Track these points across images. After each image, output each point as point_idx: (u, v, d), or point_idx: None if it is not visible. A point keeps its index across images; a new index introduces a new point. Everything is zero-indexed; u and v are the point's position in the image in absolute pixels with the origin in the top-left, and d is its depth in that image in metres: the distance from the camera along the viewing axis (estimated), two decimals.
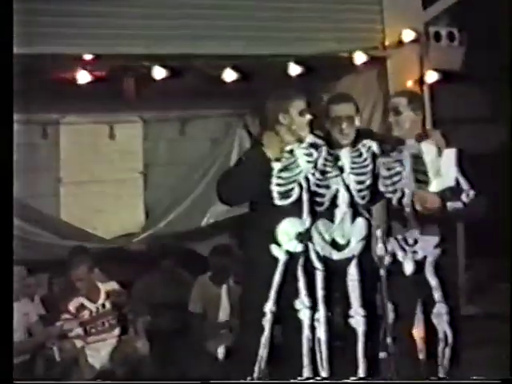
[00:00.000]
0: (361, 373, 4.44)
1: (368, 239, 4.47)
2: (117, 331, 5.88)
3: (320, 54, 6.28)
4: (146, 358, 5.78)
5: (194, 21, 6.08)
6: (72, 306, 5.80)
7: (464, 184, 4.25)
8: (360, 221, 4.46)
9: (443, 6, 6.93)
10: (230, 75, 6.01)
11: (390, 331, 4.06)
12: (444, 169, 4.24)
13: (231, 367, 5.17)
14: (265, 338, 4.38)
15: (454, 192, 4.21)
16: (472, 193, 4.22)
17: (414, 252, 4.27)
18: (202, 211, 7.19)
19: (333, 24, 6.48)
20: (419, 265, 4.27)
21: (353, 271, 4.46)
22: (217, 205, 7.12)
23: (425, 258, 4.28)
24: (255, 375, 4.37)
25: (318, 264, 4.48)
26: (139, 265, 6.61)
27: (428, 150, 4.30)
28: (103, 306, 5.88)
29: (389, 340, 4.03)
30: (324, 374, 4.41)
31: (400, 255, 4.33)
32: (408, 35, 6.55)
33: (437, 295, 4.23)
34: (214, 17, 6.17)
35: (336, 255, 4.46)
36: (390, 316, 4.18)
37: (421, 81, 6.70)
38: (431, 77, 6.62)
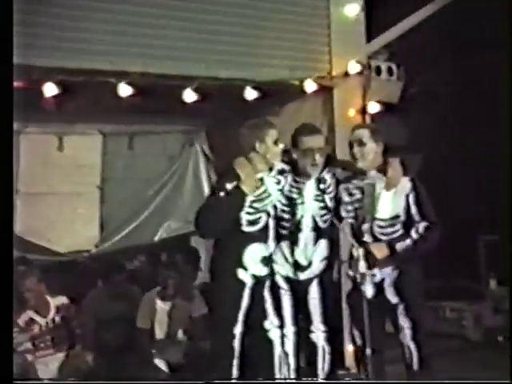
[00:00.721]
0: None
1: (329, 259, 4.74)
2: (65, 345, 5.92)
3: (274, 81, 6.53)
4: (95, 373, 5.85)
5: (157, 41, 6.21)
6: (21, 320, 5.80)
7: (416, 215, 4.51)
8: (322, 242, 4.71)
9: (384, 40, 7.33)
10: (189, 95, 6.12)
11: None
12: (396, 197, 4.52)
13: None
14: (235, 358, 4.54)
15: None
16: (423, 225, 4.49)
17: (373, 275, 4.49)
18: (156, 227, 7.30)
19: (285, 52, 6.75)
20: (378, 287, 4.51)
21: (314, 290, 4.71)
22: (170, 221, 7.36)
23: (383, 280, 4.53)
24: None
25: (283, 284, 4.72)
26: (88, 279, 6.65)
27: (379, 181, 4.56)
28: (53, 320, 5.90)
29: None
30: None
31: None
32: (354, 67, 6.90)
33: (399, 311, 4.49)
34: (177, 38, 6.34)
35: (299, 275, 4.70)
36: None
37: (363, 111, 7.06)
38: (373, 108, 6.99)
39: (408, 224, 4.52)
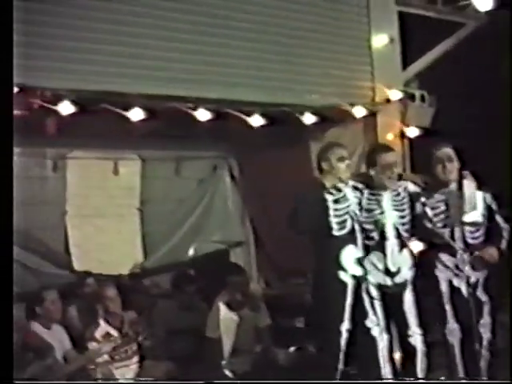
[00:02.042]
0: None
1: (417, 266, 5.21)
2: (136, 358, 6.19)
3: (325, 106, 7.00)
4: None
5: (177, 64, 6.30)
6: (98, 334, 6.02)
7: (499, 220, 5.09)
8: (406, 250, 5.19)
9: (416, 69, 7.90)
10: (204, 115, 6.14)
11: None
12: (476, 205, 5.08)
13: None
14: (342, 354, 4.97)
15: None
16: (507, 229, 5.08)
17: (468, 276, 5.02)
18: (187, 246, 7.73)
19: (332, 80, 7.24)
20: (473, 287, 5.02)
21: (408, 296, 5.16)
22: (198, 241, 7.76)
23: (477, 280, 5.07)
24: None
25: (374, 293, 5.16)
26: (151, 295, 6.97)
27: (468, 186, 5.12)
28: (126, 334, 6.18)
29: None
30: None
31: (455, 281, 5.07)
32: (395, 94, 7.45)
33: (486, 309, 5.02)
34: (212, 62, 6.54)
35: (390, 281, 5.16)
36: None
37: (402, 135, 7.59)
38: (412, 132, 7.52)
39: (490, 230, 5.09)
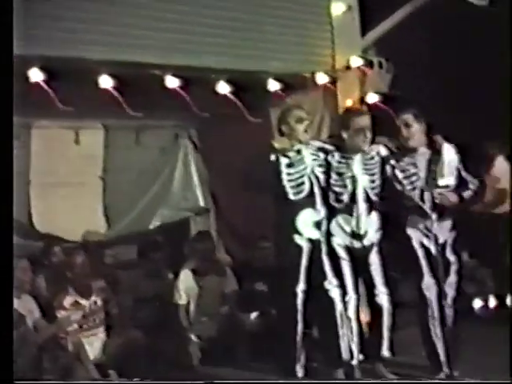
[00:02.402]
0: (384, 348, 5.32)
1: (384, 229, 5.34)
2: (104, 326, 6.20)
3: (289, 73, 7.06)
4: (139, 349, 6.18)
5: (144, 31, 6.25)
6: (67, 303, 6.03)
7: (467, 176, 5.28)
8: (375, 213, 5.33)
9: (374, 36, 7.99)
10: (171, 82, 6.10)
11: None
12: (448, 166, 5.24)
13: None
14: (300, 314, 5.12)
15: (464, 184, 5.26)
16: (477, 181, 5.31)
17: (436, 237, 5.19)
18: (151, 215, 7.74)
19: (294, 47, 7.30)
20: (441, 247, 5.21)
21: (374, 258, 5.32)
22: (163, 209, 7.78)
23: (445, 241, 5.25)
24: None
25: (342, 254, 5.29)
26: (117, 263, 6.99)
27: (448, 151, 5.27)
28: (95, 302, 6.20)
29: None
30: (354, 346, 5.23)
31: (426, 242, 5.24)
32: (355, 61, 7.55)
33: (453, 268, 5.24)
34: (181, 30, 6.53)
35: (357, 243, 5.31)
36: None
37: (362, 101, 7.70)
38: (372, 98, 7.64)
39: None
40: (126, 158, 7.80)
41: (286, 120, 5.33)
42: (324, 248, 5.23)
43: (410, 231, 5.27)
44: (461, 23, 8.09)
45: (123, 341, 6.12)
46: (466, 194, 5.27)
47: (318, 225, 5.21)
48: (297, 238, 5.18)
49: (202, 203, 7.97)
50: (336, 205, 5.31)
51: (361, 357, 5.35)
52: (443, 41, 8.25)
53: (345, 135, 5.37)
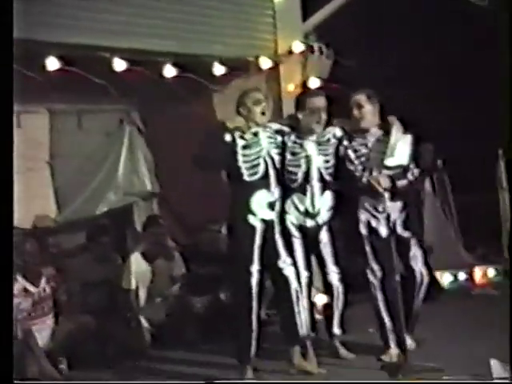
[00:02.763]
0: (335, 326, 5.45)
1: (336, 208, 5.44)
2: (53, 313, 6.15)
3: (233, 57, 7.09)
4: (89, 335, 6.13)
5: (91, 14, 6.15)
6: (16, 290, 5.91)
7: (411, 163, 5.37)
8: (328, 193, 5.41)
9: (315, 21, 8.10)
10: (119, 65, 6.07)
11: None
12: (400, 149, 5.32)
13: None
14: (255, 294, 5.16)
15: (402, 172, 5.34)
16: (417, 170, 5.39)
17: (387, 218, 5.30)
18: (98, 200, 7.65)
19: (237, 31, 7.33)
20: (391, 228, 5.32)
21: (325, 236, 5.42)
22: (110, 194, 7.72)
23: (395, 221, 5.36)
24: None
25: (295, 233, 5.36)
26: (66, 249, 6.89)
27: (396, 131, 5.32)
28: (44, 290, 6.12)
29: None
30: (308, 323, 5.32)
31: (373, 223, 5.34)
32: (298, 46, 7.63)
33: (412, 242, 5.38)
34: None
35: (309, 223, 5.39)
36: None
37: (304, 85, 7.79)
38: (313, 83, 7.74)
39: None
40: (71, 143, 7.68)
41: (244, 101, 5.33)
42: (277, 228, 5.28)
43: (359, 212, 5.36)
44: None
45: (73, 327, 6.07)
46: (401, 182, 5.33)
47: (271, 206, 5.25)
48: (251, 219, 5.20)
49: (148, 188, 7.91)
50: (290, 184, 5.36)
51: (313, 334, 5.42)
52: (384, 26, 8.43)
53: (300, 115, 5.43)
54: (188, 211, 7.51)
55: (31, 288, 6.04)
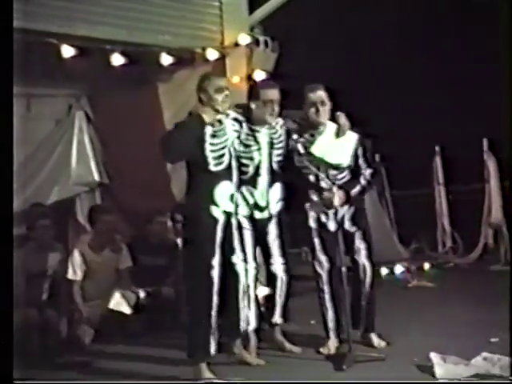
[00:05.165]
0: (277, 316, 5.50)
1: (284, 201, 5.49)
2: None
3: (180, 48, 7.08)
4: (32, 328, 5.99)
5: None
6: None
7: (363, 164, 5.44)
8: (277, 185, 5.45)
9: (261, 15, 8.15)
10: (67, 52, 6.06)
11: None
12: (345, 146, 5.40)
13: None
14: (216, 287, 5.04)
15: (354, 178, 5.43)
16: (369, 172, 5.46)
17: (335, 213, 5.36)
18: (49, 190, 7.52)
19: (185, 22, 7.32)
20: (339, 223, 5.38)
21: (273, 228, 5.47)
22: (60, 183, 7.56)
23: (342, 216, 5.43)
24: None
25: (245, 223, 5.35)
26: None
27: (330, 127, 5.41)
28: None
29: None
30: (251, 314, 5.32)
31: (323, 218, 5.40)
32: (244, 39, 7.67)
33: (357, 235, 5.45)
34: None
35: (258, 215, 5.42)
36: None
37: (249, 78, 7.84)
38: (259, 75, 7.79)
39: (355, 171, 5.44)
40: (20, 129, 7.45)
41: (205, 88, 5.09)
42: (234, 221, 5.17)
43: (307, 206, 5.41)
44: None
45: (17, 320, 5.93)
46: (354, 191, 5.37)
47: (232, 197, 5.12)
48: (214, 210, 5.08)
49: (97, 178, 7.76)
50: (242, 176, 5.28)
51: (255, 325, 5.34)
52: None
53: (253, 106, 5.42)
54: (134, 202, 7.40)
55: None
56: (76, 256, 6.45)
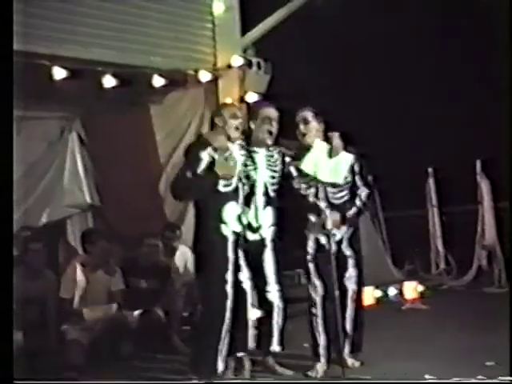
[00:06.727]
0: (274, 344, 5.43)
1: (278, 226, 5.44)
2: None
3: (172, 69, 7.07)
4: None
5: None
6: None
7: (359, 184, 5.41)
8: (269, 209, 5.41)
9: (253, 36, 8.16)
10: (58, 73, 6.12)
11: None
12: (340, 166, 5.35)
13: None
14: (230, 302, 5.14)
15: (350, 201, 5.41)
16: (365, 194, 5.43)
17: (333, 235, 5.31)
18: (40, 211, 7.47)
19: (177, 44, 7.32)
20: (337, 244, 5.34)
21: (268, 254, 5.41)
22: (51, 206, 7.51)
23: (342, 237, 5.40)
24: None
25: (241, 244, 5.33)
26: None
27: (319, 145, 5.33)
28: None
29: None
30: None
31: (322, 239, 5.34)
32: (237, 60, 7.67)
33: (350, 264, 5.40)
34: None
35: (251, 236, 5.37)
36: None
37: (241, 100, 7.83)
38: (251, 97, 7.78)
39: (354, 190, 5.41)
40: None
41: (221, 113, 5.31)
42: (240, 241, 5.28)
43: (307, 230, 5.37)
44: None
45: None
46: (349, 213, 5.36)
47: (239, 218, 5.25)
48: (224, 229, 5.18)
49: (88, 200, 7.71)
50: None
51: (252, 348, 5.37)
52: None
53: (253, 125, 5.45)
54: (126, 224, 7.35)
55: None
56: (69, 274, 6.40)
